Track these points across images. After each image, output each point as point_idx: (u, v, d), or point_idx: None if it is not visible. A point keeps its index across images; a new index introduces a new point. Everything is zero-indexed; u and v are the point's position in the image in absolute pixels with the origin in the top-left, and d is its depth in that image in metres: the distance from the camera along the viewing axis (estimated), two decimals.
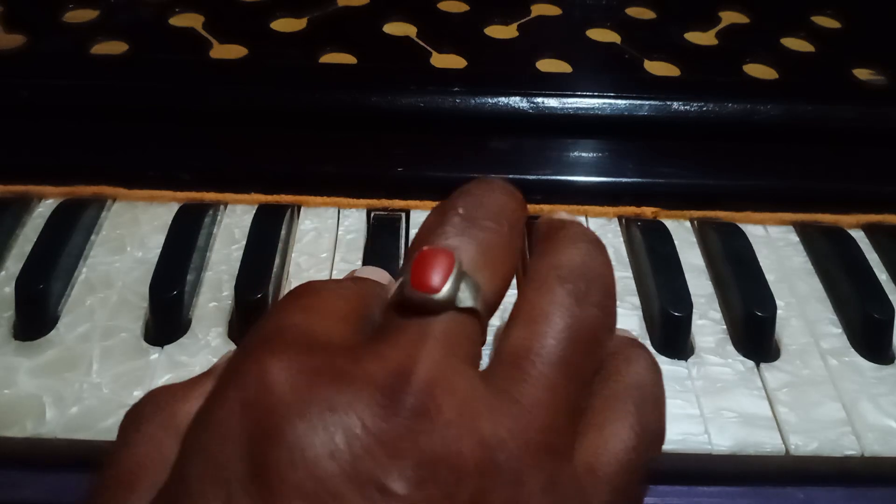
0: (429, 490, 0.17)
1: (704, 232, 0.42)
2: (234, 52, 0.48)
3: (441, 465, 0.17)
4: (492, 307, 0.21)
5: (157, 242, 0.39)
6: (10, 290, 0.36)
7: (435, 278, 0.20)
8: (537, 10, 0.54)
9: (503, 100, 0.45)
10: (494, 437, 0.18)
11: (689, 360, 0.35)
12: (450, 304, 0.20)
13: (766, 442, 0.32)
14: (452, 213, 0.22)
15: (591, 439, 0.20)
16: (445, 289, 0.19)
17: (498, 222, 0.22)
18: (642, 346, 0.24)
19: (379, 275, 0.25)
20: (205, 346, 0.35)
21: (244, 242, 0.39)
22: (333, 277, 0.38)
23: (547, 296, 0.21)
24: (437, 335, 0.19)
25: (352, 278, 0.25)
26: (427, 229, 0.22)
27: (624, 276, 0.39)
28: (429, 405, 0.18)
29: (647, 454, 0.21)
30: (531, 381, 0.19)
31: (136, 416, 0.21)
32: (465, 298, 0.20)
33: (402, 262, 0.38)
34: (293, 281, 0.38)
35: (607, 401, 0.21)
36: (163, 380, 0.33)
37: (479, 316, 0.20)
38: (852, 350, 0.36)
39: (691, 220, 0.43)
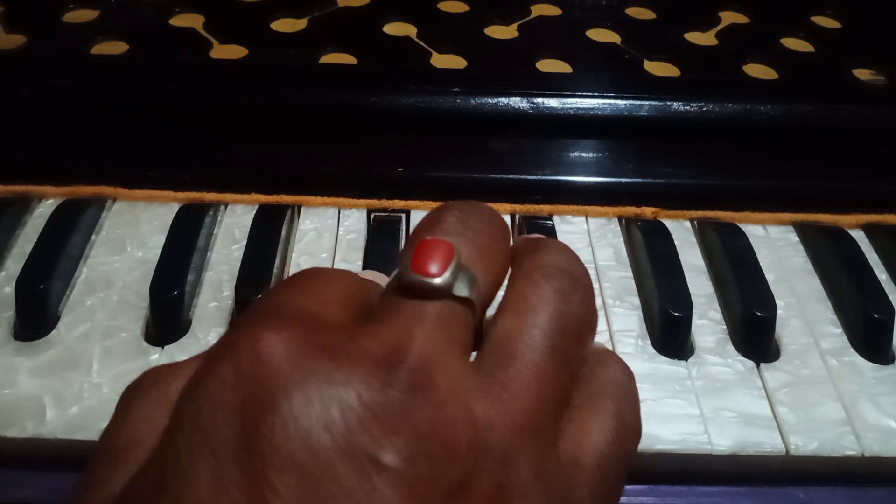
0: (420, 466, 0.17)
1: (704, 232, 0.42)
2: (234, 52, 0.48)
3: (433, 442, 0.17)
4: (485, 301, 0.22)
5: (157, 242, 0.39)
6: (10, 290, 0.36)
7: (435, 265, 0.20)
8: (537, 10, 0.54)
9: (503, 100, 0.45)
10: (485, 417, 0.18)
11: (689, 360, 0.35)
12: (447, 291, 0.20)
13: (766, 442, 0.32)
14: (450, 213, 0.23)
15: (573, 431, 0.21)
16: (444, 276, 0.20)
17: (491, 226, 0.24)
18: (615, 353, 0.25)
19: (380, 278, 0.26)
20: (205, 347, 0.34)
21: (244, 242, 0.39)
22: None
23: (536, 289, 0.22)
24: (433, 317, 0.20)
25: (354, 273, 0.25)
26: (425, 224, 0.23)
27: (624, 276, 0.39)
28: (424, 382, 0.18)
29: (626, 447, 0.22)
30: (520, 365, 0.20)
31: (132, 392, 0.21)
32: (462, 288, 0.21)
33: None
34: None
35: (587, 397, 0.22)
36: None
37: (474, 307, 0.21)
38: (852, 350, 0.36)
39: (691, 220, 0.43)
